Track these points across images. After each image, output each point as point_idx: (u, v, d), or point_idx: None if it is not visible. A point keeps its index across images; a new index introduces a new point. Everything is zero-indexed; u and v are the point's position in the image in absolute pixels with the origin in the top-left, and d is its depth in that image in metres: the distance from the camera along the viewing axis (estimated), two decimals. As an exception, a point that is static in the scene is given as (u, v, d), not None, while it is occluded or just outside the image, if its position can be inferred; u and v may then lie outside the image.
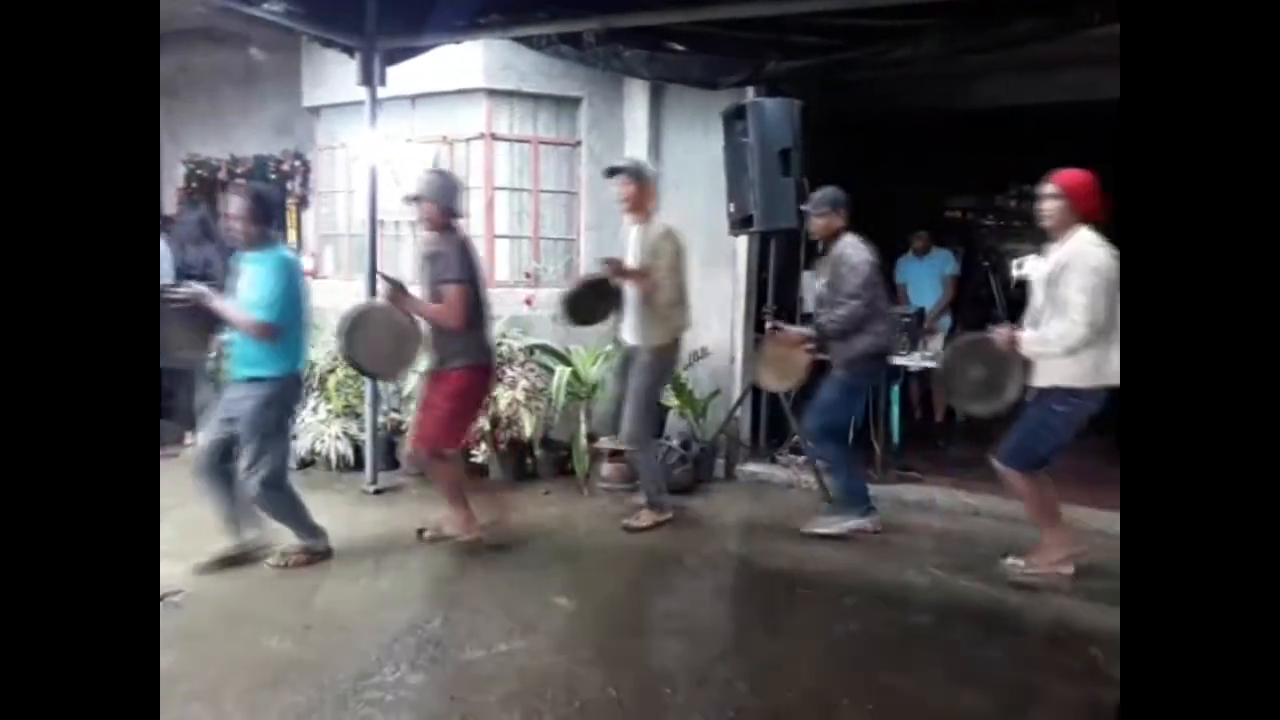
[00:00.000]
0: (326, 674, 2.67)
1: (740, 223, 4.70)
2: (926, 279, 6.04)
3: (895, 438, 5.48)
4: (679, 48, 4.18)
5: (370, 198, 4.61)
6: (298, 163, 6.30)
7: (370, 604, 3.26)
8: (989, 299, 6.10)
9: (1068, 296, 3.18)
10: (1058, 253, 3.28)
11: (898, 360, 4.97)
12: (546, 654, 2.87)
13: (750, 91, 4.83)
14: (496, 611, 3.21)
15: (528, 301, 5.24)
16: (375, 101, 4.50)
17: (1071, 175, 3.30)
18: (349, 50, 4.40)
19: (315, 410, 5.04)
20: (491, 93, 5.21)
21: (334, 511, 4.12)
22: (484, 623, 3.12)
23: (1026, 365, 3.38)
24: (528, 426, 4.60)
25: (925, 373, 5.58)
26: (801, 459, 4.99)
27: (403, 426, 5.08)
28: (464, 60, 5.13)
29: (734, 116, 4.63)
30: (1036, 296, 3.39)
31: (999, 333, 3.45)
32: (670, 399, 5.21)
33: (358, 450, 4.88)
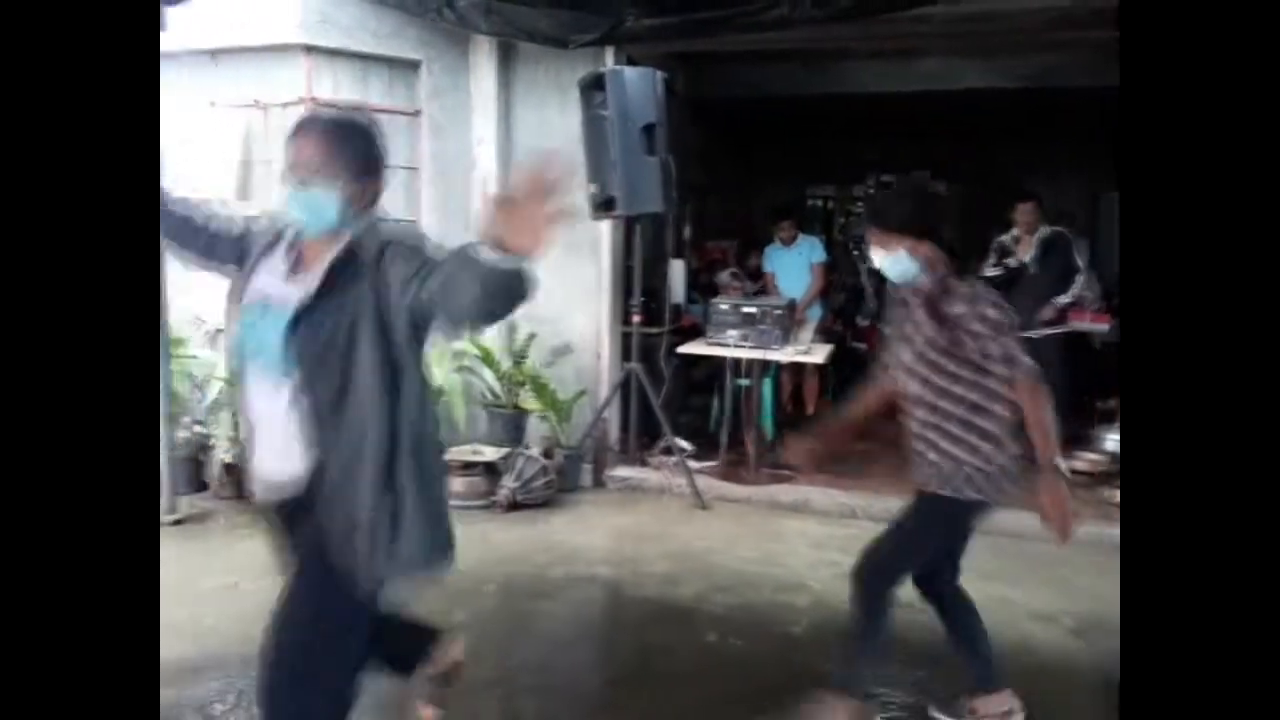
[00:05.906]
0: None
1: (602, 205, 4.24)
2: (795, 267, 5.83)
3: (769, 434, 5.26)
4: (523, -4, 3.62)
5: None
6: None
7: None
8: (858, 287, 5.99)
9: None
10: None
11: (769, 354, 4.72)
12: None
13: (609, 58, 4.38)
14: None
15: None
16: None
17: None
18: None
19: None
20: (311, 49, 4.46)
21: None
22: None
23: None
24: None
25: (796, 366, 5.40)
26: (674, 460, 4.66)
27: (211, 442, 4.31)
28: (275, 10, 4.37)
29: (591, 86, 4.16)
30: None
31: None
32: (530, 401, 4.71)
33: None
